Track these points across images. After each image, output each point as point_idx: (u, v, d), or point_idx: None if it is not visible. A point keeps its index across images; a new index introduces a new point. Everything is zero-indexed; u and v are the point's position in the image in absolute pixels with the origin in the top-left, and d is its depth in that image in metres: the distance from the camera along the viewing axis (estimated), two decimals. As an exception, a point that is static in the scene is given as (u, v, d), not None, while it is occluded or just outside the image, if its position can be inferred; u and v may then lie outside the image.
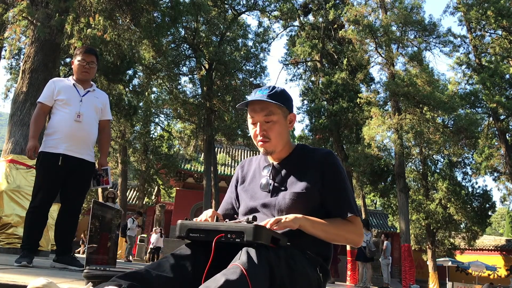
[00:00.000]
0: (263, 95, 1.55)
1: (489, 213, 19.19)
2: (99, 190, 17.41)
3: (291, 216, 1.43)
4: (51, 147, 3.29)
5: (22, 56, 12.61)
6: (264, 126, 1.56)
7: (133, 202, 24.87)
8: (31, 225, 3.29)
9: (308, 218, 1.46)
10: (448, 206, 18.73)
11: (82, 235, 20.69)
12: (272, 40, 20.95)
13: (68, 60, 13.59)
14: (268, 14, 20.23)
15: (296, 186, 1.54)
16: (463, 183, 19.38)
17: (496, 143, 19.30)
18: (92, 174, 3.54)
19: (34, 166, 3.45)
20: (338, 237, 1.51)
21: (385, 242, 12.30)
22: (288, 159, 1.62)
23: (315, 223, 1.47)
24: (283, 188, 1.56)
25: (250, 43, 19.73)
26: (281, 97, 1.56)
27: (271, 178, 1.60)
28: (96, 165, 3.60)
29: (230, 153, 25.66)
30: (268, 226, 1.36)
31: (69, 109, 3.35)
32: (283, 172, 1.60)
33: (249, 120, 1.60)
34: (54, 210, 9.29)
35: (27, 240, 3.28)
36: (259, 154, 1.72)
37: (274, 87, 1.59)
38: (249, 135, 18.80)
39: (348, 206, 1.54)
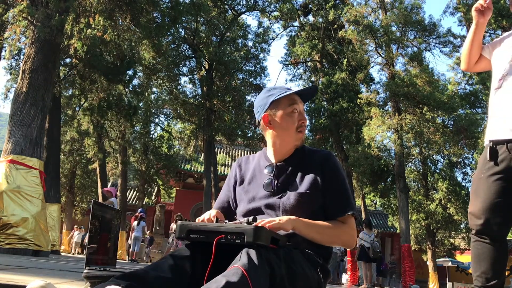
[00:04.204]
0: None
1: (489, 213, 19.17)
2: (99, 190, 17.36)
3: (284, 218, 1.41)
4: None
5: (22, 57, 12.53)
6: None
7: (133, 202, 24.87)
8: None
9: (302, 220, 1.45)
10: (448, 206, 18.72)
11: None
12: (272, 40, 20.94)
13: (68, 60, 13.50)
14: (268, 15, 20.21)
15: (300, 186, 1.53)
16: (463, 183, 19.37)
17: (496, 143, 19.27)
18: None
19: None
20: (332, 238, 1.50)
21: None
22: (290, 159, 1.61)
23: (310, 225, 1.46)
24: (286, 189, 1.55)
25: (250, 43, 19.73)
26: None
27: (274, 178, 1.59)
28: None
29: (230, 153, 25.66)
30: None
31: None
32: (286, 172, 1.59)
33: (289, 109, 1.58)
34: (54, 210, 9.24)
35: None
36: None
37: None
38: (248, 135, 18.88)
39: (348, 206, 1.54)
